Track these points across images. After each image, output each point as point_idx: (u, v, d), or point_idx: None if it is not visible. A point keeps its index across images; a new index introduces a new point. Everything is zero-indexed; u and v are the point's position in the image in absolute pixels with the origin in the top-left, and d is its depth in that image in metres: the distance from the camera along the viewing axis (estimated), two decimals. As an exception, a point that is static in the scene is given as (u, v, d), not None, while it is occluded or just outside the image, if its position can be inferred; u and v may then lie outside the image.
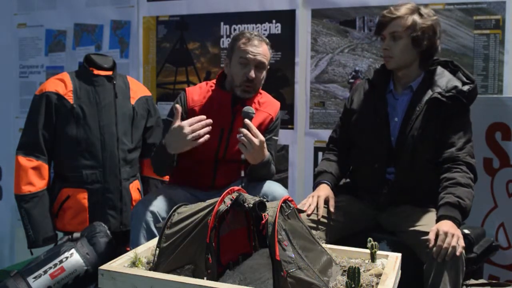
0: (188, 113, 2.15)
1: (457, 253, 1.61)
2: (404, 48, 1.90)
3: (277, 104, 2.28)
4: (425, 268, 1.68)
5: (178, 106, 1.94)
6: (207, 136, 1.92)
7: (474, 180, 1.85)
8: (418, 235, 1.77)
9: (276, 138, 2.27)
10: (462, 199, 1.74)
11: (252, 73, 2.09)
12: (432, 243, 1.64)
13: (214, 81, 2.24)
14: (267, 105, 2.22)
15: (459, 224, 1.71)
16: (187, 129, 1.89)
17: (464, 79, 1.94)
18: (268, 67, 2.20)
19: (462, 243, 1.64)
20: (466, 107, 1.92)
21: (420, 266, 1.71)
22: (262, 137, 1.95)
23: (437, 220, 1.73)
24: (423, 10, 1.91)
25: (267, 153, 2.03)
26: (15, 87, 3.32)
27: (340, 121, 2.20)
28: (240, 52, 2.10)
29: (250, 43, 2.10)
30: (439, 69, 1.98)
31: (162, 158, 2.06)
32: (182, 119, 1.97)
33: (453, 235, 1.63)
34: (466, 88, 1.89)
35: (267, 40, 2.18)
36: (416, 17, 1.88)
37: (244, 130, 1.91)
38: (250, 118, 1.95)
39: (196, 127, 1.90)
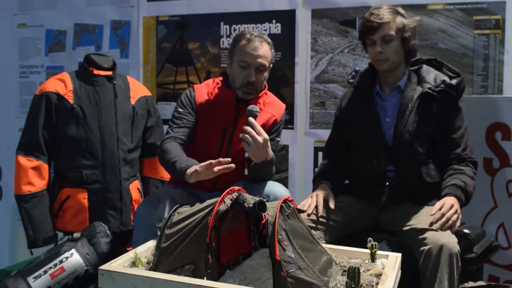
0: (197, 109, 2.14)
1: (453, 229, 1.73)
2: (396, 49, 1.95)
3: (282, 106, 2.26)
4: (420, 265, 1.69)
5: (223, 159, 1.80)
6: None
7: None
8: (413, 232, 1.79)
9: (278, 139, 2.26)
10: (467, 184, 1.85)
11: (253, 77, 2.07)
12: (434, 212, 1.74)
13: (220, 78, 2.23)
14: (271, 106, 2.21)
15: (461, 205, 1.81)
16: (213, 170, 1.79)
17: (450, 73, 1.99)
18: (271, 65, 2.18)
19: (458, 223, 1.77)
20: (456, 100, 1.96)
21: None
22: (266, 135, 1.93)
23: (442, 197, 1.82)
24: (401, 10, 1.97)
25: (271, 152, 2.01)
26: (15, 87, 3.32)
27: (333, 127, 2.22)
28: (240, 55, 2.08)
29: (250, 45, 2.07)
30: (425, 66, 2.04)
31: (175, 176, 2.02)
32: (194, 113, 2.12)
33: (456, 211, 1.75)
34: (454, 81, 1.94)
35: (269, 40, 2.13)
36: (401, 19, 1.94)
37: (248, 128, 1.90)
38: (255, 117, 1.94)
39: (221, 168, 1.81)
